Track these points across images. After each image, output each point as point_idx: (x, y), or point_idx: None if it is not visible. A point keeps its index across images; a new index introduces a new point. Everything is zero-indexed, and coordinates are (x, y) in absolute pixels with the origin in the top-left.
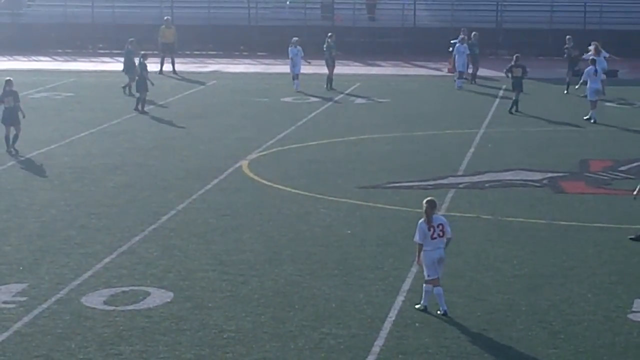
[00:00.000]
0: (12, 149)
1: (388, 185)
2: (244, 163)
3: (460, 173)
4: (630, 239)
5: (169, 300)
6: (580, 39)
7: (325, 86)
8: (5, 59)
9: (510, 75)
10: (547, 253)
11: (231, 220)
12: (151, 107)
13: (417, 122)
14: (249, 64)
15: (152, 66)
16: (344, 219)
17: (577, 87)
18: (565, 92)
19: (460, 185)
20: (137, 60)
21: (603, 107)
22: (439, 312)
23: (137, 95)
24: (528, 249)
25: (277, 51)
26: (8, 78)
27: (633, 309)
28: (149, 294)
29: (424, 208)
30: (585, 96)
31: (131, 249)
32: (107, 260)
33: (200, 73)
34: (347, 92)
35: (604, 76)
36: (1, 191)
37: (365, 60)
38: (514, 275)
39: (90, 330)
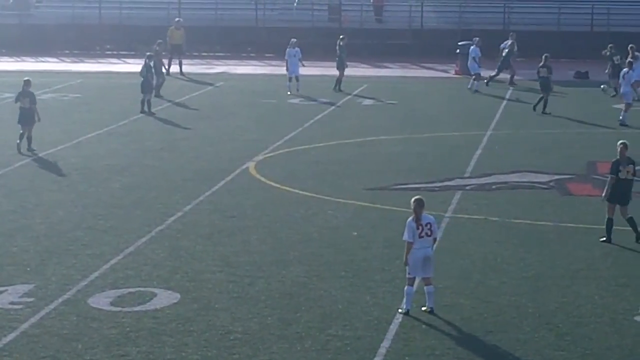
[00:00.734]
0: (28, 149)
1: (395, 187)
2: (251, 164)
3: (467, 175)
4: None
5: (175, 301)
6: (587, 41)
7: (333, 87)
8: (12, 59)
9: (537, 75)
10: (554, 255)
11: (238, 221)
12: (158, 108)
13: (424, 123)
14: (256, 65)
15: None
16: (351, 221)
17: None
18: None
19: (468, 187)
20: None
21: (611, 110)
22: (423, 308)
23: (144, 97)
24: (535, 251)
25: (284, 53)
26: (27, 78)
27: None
28: (155, 295)
29: (413, 207)
30: (614, 95)
31: (138, 250)
32: (113, 261)
33: (207, 74)
34: (354, 93)
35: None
36: (8, 192)
37: (372, 62)
38: (520, 277)
39: (97, 331)
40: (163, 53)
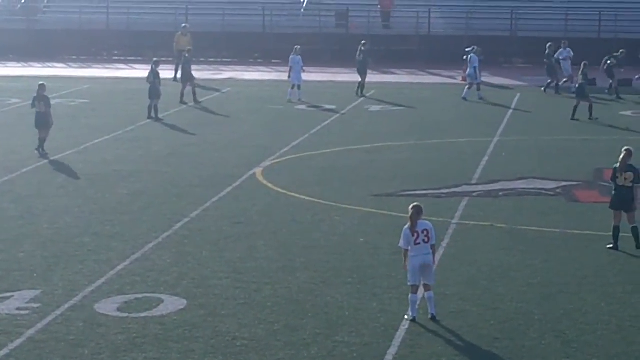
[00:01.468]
0: (41, 151)
1: (402, 194)
2: (258, 170)
3: (474, 181)
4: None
5: (182, 307)
6: (595, 48)
7: (356, 92)
8: (20, 65)
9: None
10: (560, 262)
11: (245, 227)
12: (165, 114)
13: (431, 130)
14: (263, 71)
15: (167, 73)
16: (358, 227)
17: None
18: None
19: (474, 194)
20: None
21: (618, 117)
22: (429, 316)
23: (151, 102)
24: (541, 257)
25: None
26: (41, 82)
27: None
28: (162, 301)
29: (410, 213)
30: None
31: (145, 256)
32: (120, 267)
33: (214, 80)
34: (360, 100)
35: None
36: (15, 197)
37: (379, 67)
38: (527, 284)
39: (104, 337)
40: (193, 59)
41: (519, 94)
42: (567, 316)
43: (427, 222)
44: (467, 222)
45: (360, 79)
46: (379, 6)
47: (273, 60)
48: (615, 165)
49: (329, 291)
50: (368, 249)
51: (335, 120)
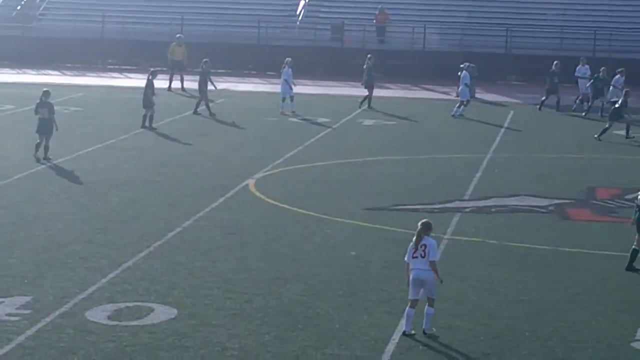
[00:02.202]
0: (44, 158)
1: (394, 208)
2: (251, 182)
3: (466, 197)
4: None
5: (172, 316)
6: (589, 67)
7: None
8: (14, 72)
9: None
10: (551, 279)
11: (236, 238)
12: (160, 123)
13: (424, 145)
14: (257, 82)
15: (161, 83)
16: (349, 240)
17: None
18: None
19: (466, 210)
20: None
21: (611, 135)
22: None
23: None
24: (532, 274)
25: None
26: (45, 89)
27: (636, 338)
28: (152, 310)
29: (417, 229)
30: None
31: (136, 265)
32: (111, 275)
33: (209, 91)
34: (354, 113)
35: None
36: (8, 204)
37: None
38: (518, 301)
39: (94, 345)
40: (211, 70)
41: (512, 111)
42: (557, 333)
43: (430, 239)
44: (458, 238)
45: (367, 92)
46: (374, 20)
47: (267, 72)
48: None
49: (320, 303)
50: (359, 262)
51: (329, 133)
